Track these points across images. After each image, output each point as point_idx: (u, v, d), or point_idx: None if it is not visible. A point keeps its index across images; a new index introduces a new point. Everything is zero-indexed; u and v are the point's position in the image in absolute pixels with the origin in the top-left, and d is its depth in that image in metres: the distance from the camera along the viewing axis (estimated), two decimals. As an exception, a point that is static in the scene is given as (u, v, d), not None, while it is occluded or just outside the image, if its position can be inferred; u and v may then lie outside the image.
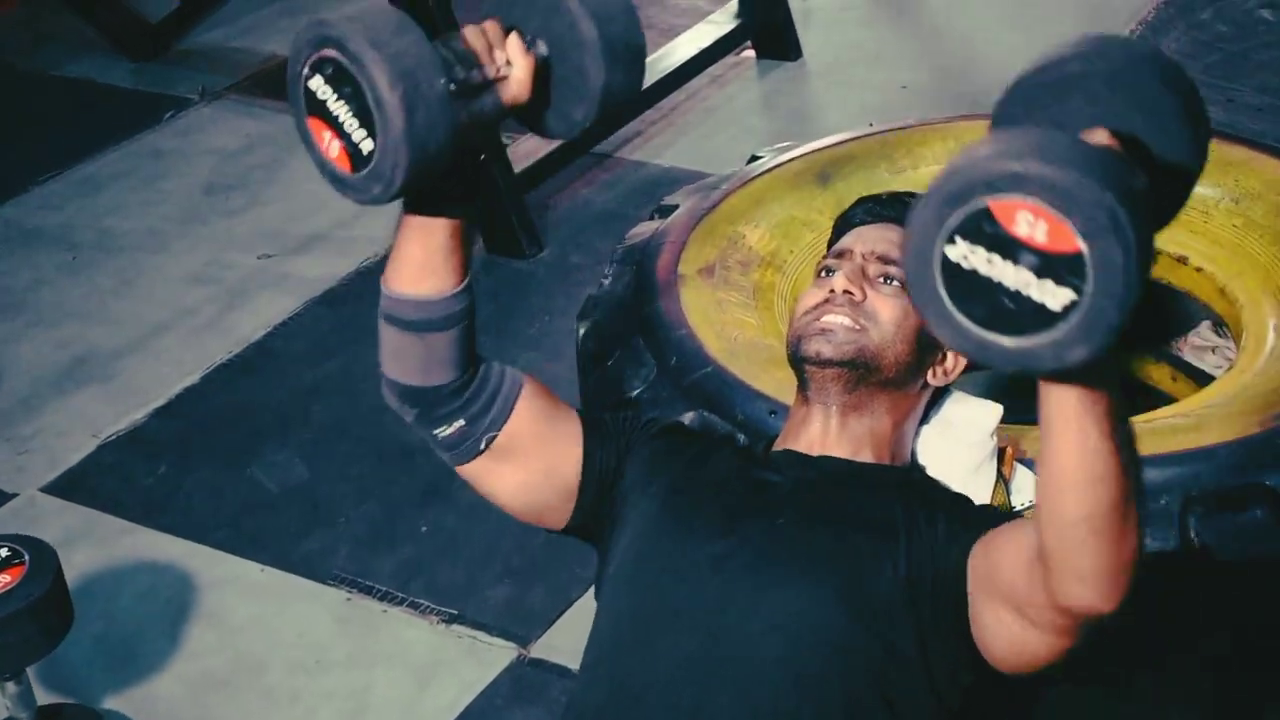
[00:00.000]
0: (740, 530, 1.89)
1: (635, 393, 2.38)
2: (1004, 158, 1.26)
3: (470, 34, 1.64)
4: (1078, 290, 1.24)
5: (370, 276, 3.63)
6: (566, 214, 3.85)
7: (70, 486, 3.03)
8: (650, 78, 4.09)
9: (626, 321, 2.53)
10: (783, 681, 1.78)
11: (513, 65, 1.64)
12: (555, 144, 3.70)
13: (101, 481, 3.04)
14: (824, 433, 1.99)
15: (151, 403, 3.26)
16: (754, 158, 2.99)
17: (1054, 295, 1.25)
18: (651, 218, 2.86)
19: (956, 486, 2.01)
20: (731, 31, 4.38)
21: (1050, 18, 4.70)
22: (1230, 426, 2.13)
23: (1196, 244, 2.61)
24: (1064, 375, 1.38)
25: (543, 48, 1.65)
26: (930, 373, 2.01)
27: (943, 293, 1.31)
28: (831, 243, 2.13)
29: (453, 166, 1.64)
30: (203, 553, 2.81)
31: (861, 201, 2.14)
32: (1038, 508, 1.53)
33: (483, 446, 1.87)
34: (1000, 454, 2.10)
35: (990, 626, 1.72)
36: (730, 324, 2.47)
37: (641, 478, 1.99)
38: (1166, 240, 2.63)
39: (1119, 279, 1.23)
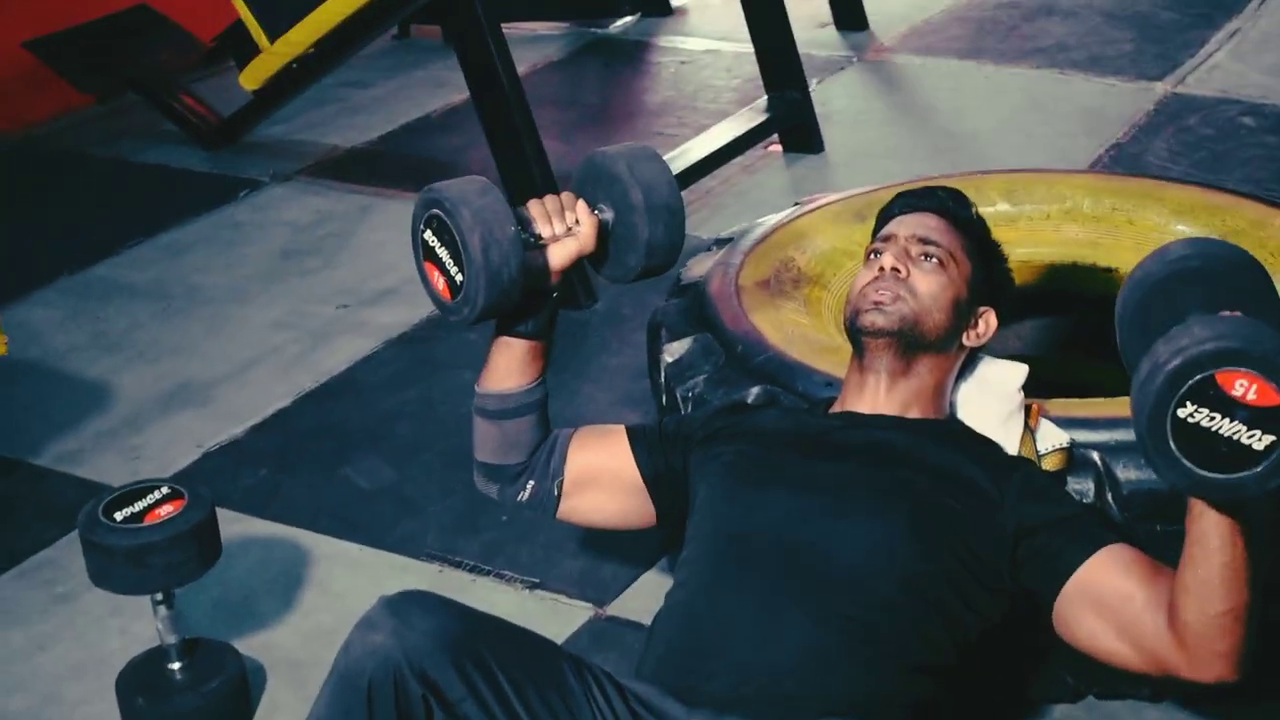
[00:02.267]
0: (812, 473, 2.16)
1: (706, 376, 2.72)
2: (1222, 339, 1.66)
3: (549, 200, 2.17)
4: (1278, 434, 1.65)
5: (441, 323, 3.99)
6: (616, 275, 4.22)
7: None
8: (687, 161, 4.51)
9: (694, 323, 2.89)
10: (859, 597, 2.02)
11: (581, 223, 2.16)
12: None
13: (208, 482, 3.33)
14: (875, 394, 2.30)
15: (247, 421, 3.59)
16: (796, 204, 3.38)
17: (1260, 440, 1.65)
18: (710, 249, 3.24)
19: (990, 435, 2.33)
20: (760, 125, 4.81)
21: (1049, 120, 5.12)
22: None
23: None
24: (1237, 501, 1.75)
25: (607, 212, 2.18)
26: (965, 335, 2.37)
27: (1173, 445, 1.69)
28: (876, 231, 2.48)
29: (530, 299, 2.15)
30: (305, 536, 3.12)
31: (900, 196, 2.44)
32: (1183, 596, 1.83)
33: (557, 493, 2.31)
34: (1027, 409, 2.43)
35: (1086, 630, 1.99)
36: (786, 322, 2.82)
37: (711, 451, 2.27)
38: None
39: None
